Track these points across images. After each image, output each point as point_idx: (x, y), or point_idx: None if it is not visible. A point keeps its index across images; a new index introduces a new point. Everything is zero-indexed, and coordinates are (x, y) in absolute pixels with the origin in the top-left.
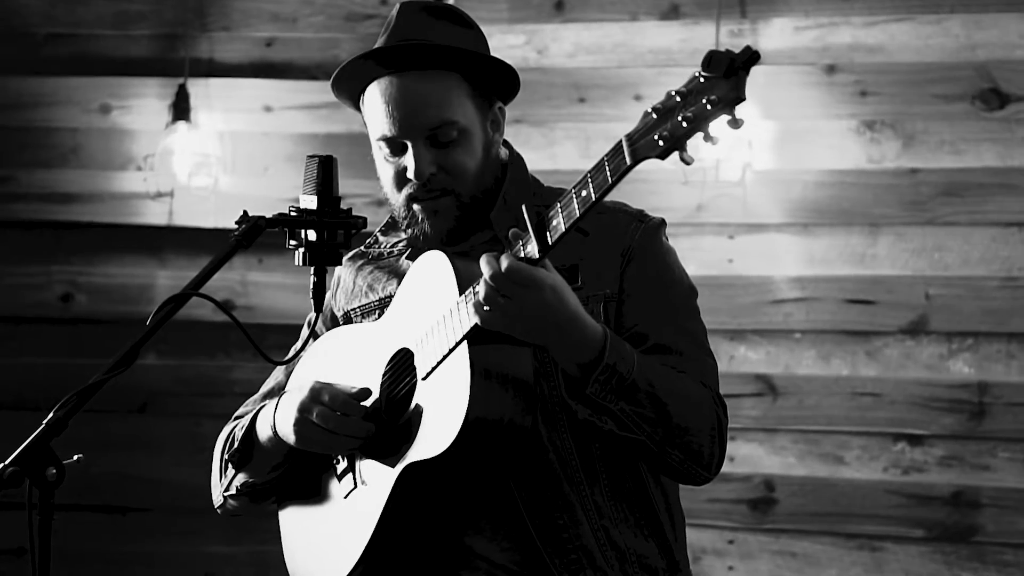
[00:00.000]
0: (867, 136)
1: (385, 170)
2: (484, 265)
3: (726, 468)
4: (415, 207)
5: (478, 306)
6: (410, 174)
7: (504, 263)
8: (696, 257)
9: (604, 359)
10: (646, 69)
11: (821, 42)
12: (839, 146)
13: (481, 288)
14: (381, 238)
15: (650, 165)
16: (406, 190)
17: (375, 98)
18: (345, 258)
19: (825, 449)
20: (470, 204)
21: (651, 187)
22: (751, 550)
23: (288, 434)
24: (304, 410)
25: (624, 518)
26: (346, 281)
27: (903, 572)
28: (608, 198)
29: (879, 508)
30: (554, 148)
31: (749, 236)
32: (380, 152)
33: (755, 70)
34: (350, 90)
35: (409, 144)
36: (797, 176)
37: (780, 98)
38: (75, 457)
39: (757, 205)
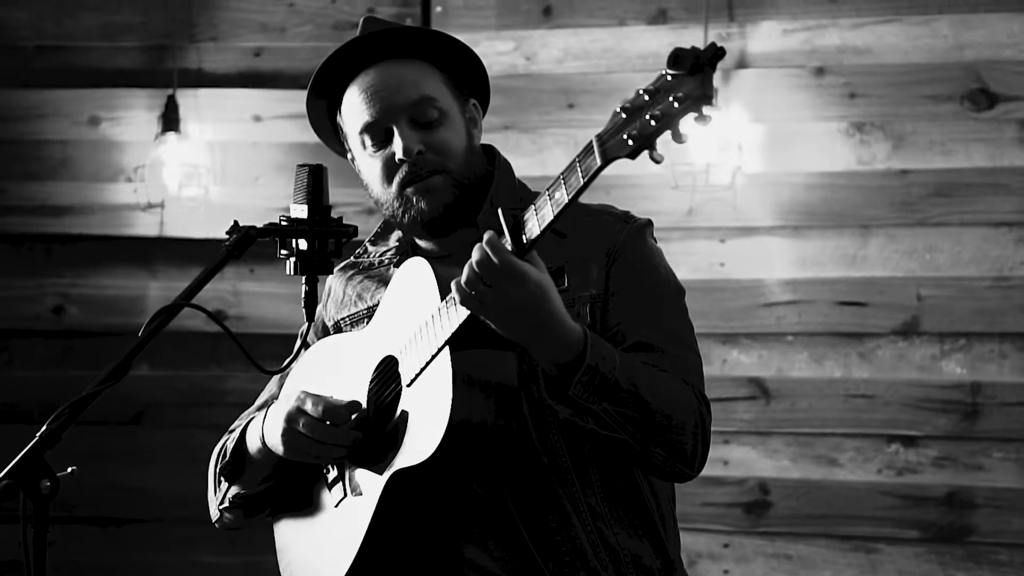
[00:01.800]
0: (857, 138)
1: (371, 168)
2: (475, 251)
3: (720, 472)
4: (408, 191)
5: (460, 288)
6: (398, 154)
7: (492, 251)
8: (687, 261)
9: (586, 360)
10: (635, 74)
11: (809, 44)
12: (829, 148)
13: (466, 271)
14: (370, 247)
15: (639, 169)
16: (397, 177)
17: (352, 97)
18: (336, 268)
19: (819, 451)
20: (462, 183)
21: (642, 191)
22: (746, 553)
23: (276, 444)
24: (291, 420)
25: (618, 519)
26: (336, 291)
27: (898, 573)
28: (597, 201)
29: (873, 510)
30: (543, 154)
31: (740, 239)
32: (364, 150)
33: (743, 73)
34: (324, 118)
35: (394, 127)
36: (787, 179)
37: (769, 101)
38: (69, 469)
39: (748, 208)
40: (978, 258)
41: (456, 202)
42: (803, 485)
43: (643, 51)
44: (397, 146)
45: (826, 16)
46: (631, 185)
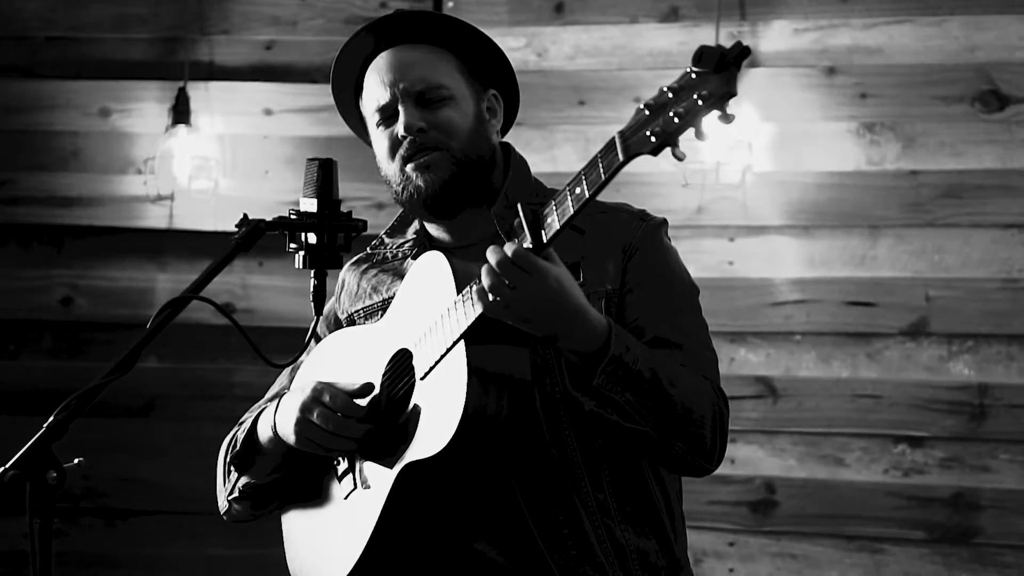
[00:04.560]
0: (867, 138)
1: (380, 144)
2: (490, 253)
3: (727, 470)
4: (407, 167)
5: (482, 293)
6: (400, 131)
7: (510, 251)
8: (696, 259)
9: (611, 350)
10: (646, 72)
11: (821, 44)
12: (839, 148)
13: (485, 276)
14: (387, 240)
15: (650, 167)
16: (399, 152)
17: (370, 77)
18: (350, 261)
19: (825, 451)
20: (464, 163)
21: (652, 189)
22: (752, 552)
23: (288, 434)
24: (305, 410)
25: (626, 516)
26: (350, 283)
27: (903, 574)
28: (609, 200)
29: (879, 510)
30: (554, 150)
31: (749, 238)
32: (376, 128)
33: (754, 72)
34: (348, 95)
35: (400, 107)
36: (797, 178)
37: (780, 100)
38: (76, 461)
39: (757, 207)
40: (987, 260)
41: (454, 180)
42: (809, 484)
43: (654, 49)
44: (400, 123)
45: (838, 16)
46: (641, 183)
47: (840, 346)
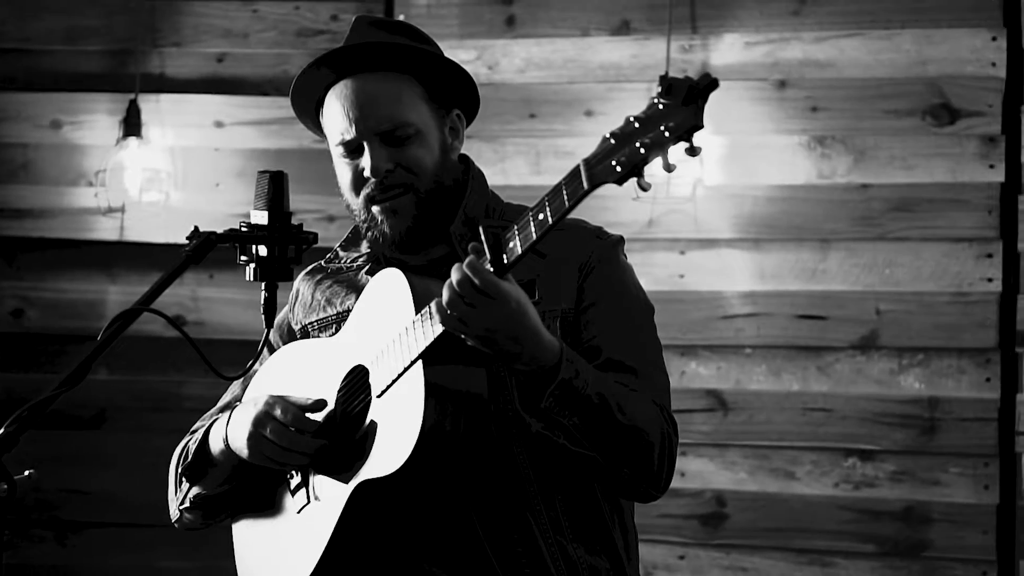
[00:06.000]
0: (818, 151)
1: (344, 174)
2: (454, 271)
3: (677, 483)
4: (374, 209)
5: (443, 312)
6: (367, 172)
7: (473, 272)
8: (647, 272)
9: (560, 374)
10: (596, 85)
11: (772, 57)
12: (790, 161)
13: (446, 293)
14: (341, 253)
15: None
16: (364, 190)
17: (332, 103)
18: (304, 272)
19: (776, 464)
20: (428, 200)
21: (602, 202)
22: (702, 565)
23: (241, 448)
24: (258, 424)
25: (578, 534)
26: (304, 295)
27: None
28: None
29: (830, 523)
30: (505, 163)
31: (700, 251)
32: (339, 157)
33: None
34: (307, 105)
35: (365, 144)
36: (748, 191)
37: (731, 113)
38: (26, 472)
39: (708, 220)
40: (937, 273)
41: (418, 222)
42: (760, 498)
43: (605, 62)
44: (366, 163)
45: (788, 29)
46: (592, 196)
47: (791, 359)
